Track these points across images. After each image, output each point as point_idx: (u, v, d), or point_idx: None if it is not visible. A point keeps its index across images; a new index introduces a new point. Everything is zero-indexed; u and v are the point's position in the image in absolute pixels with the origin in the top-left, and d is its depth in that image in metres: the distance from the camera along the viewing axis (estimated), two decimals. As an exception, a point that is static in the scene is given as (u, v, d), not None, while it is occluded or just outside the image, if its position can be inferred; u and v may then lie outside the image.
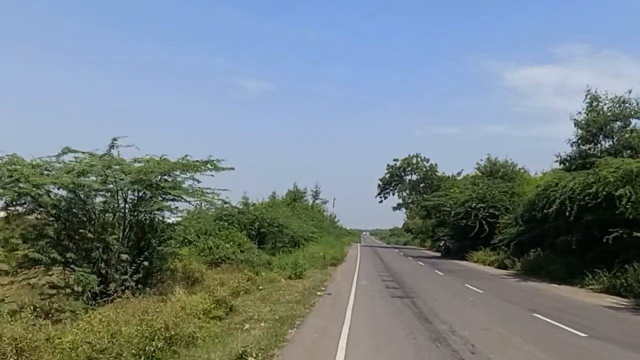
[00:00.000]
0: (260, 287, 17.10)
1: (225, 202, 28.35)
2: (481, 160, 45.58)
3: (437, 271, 26.91)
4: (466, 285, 19.41)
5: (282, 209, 38.28)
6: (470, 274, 26.05)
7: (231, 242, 24.14)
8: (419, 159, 64.28)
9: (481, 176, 43.93)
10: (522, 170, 44.45)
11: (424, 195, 57.73)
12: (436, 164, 63.77)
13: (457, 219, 40.12)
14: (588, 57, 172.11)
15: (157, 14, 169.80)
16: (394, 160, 65.15)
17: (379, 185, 67.63)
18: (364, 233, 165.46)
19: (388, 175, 65.86)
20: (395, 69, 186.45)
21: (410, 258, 42.16)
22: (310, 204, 60.43)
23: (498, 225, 36.89)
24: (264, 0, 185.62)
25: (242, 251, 23.72)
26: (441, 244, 47.72)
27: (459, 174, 60.16)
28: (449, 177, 62.15)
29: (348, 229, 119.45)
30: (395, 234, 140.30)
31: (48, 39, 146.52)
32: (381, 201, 68.67)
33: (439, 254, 49.88)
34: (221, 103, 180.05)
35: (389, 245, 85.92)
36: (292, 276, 18.98)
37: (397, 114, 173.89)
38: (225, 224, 27.08)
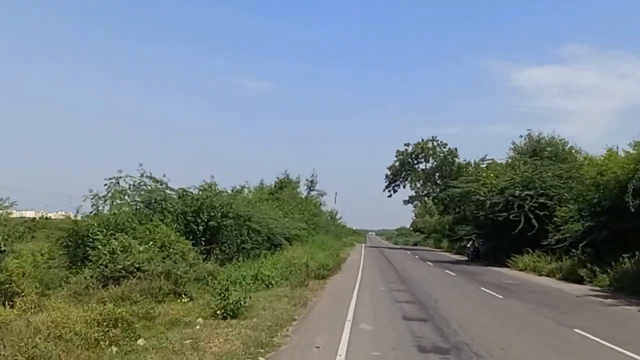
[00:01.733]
0: (139, 341, 7.81)
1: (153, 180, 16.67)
2: (521, 136, 35.82)
3: (485, 289, 17.25)
4: (575, 330, 9.73)
5: (257, 197, 28.85)
6: (542, 294, 16.39)
7: (151, 243, 14.75)
8: (435, 143, 54.54)
9: (519, 158, 34.04)
10: (574, 150, 34.66)
11: (447, 182, 47.83)
12: (456, 149, 54.05)
13: (493, 212, 30.34)
14: (592, 57, 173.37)
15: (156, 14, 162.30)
16: (405, 145, 55.68)
17: (386, 176, 58.01)
18: (370, 233, 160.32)
19: (398, 163, 56.17)
20: (396, 69, 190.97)
21: (429, 263, 32.50)
22: (304, 195, 50.95)
23: (553, 219, 27.22)
24: (264, 1, 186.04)
25: (163, 258, 14.40)
26: (467, 245, 38.02)
27: (482, 159, 50.20)
28: (470, 163, 52.28)
29: (353, 228, 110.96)
30: (402, 233, 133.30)
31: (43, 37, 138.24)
32: (390, 195, 59.14)
33: (464, 258, 40.23)
34: (221, 103, 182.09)
35: (397, 246, 75.93)
36: (221, 312, 9.35)
37: (398, 114, 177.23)
38: (153, 213, 17.74)
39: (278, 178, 39.01)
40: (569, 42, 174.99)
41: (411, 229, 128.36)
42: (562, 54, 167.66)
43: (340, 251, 39.33)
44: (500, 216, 29.67)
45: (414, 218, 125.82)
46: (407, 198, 60.12)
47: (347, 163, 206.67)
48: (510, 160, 34.38)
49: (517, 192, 29.30)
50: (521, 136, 35.99)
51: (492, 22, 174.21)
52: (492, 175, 32.61)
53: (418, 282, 19.27)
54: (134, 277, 13.29)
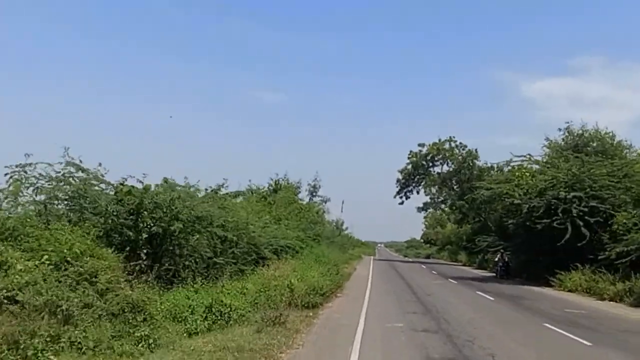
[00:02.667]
0: None
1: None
2: (560, 130, 30.35)
3: (553, 326, 11.80)
4: None
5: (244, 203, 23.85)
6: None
7: (45, 257, 9.46)
8: (453, 144, 49.04)
9: (561, 153, 28.51)
10: (624, 144, 29.13)
11: (472, 184, 42.29)
12: (476, 150, 48.48)
13: (530, 218, 24.90)
14: (603, 69, 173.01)
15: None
16: (419, 146, 50.17)
17: (398, 181, 52.60)
18: (379, 245, 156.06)
19: (411, 166, 50.74)
20: (407, 80, 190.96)
21: (452, 281, 27.04)
22: (305, 202, 45.72)
23: (610, 227, 21.82)
24: (280, 14, 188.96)
25: (58, 281, 9.25)
26: (495, 259, 32.40)
27: (508, 163, 44.62)
28: (492, 167, 46.75)
29: (362, 240, 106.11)
30: (412, 245, 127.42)
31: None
32: (402, 202, 53.56)
33: (489, 274, 34.70)
34: (236, 114, 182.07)
35: (409, 259, 70.04)
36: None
37: (408, 125, 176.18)
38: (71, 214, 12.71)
39: (272, 179, 33.83)
40: (581, 54, 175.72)
41: (422, 240, 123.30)
42: (573, 66, 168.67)
43: (345, 266, 34.05)
44: (540, 223, 24.15)
45: (425, 229, 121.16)
46: (420, 205, 54.61)
47: (356, 175, 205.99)
48: (547, 158, 28.85)
49: (561, 194, 23.83)
50: (559, 129, 30.49)
51: (503, 34, 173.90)
52: (527, 174, 27.10)
53: (449, 311, 13.90)
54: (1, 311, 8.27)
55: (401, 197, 53.73)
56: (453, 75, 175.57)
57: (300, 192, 46.50)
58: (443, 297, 18.42)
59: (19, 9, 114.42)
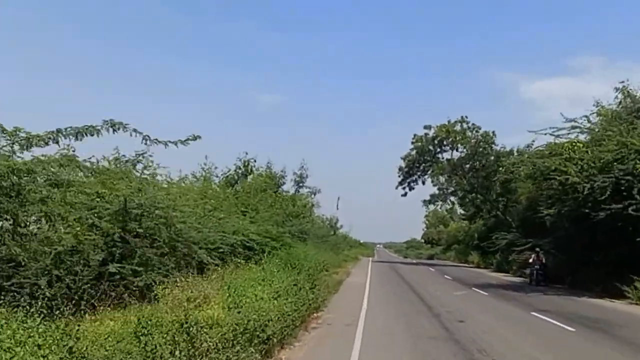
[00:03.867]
0: None
1: None
2: (616, 89, 23.28)
3: None
4: None
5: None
6: None
7: None
8: (465, 125, 41.90)
9: (618, 120, 21.34)
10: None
11: (499, 163, 35.45)
12: (494, 132, 41.31)
13: (585, 204, 17.89)
14: (603, 69, 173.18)
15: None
16: (425, 128, 42.98)
17: (400, 170, 45.40)
18: (378, 246, 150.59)
19: (415, 152, 43.65)
20: (407, 81, 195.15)
21: (481, 292, 20.07)
22: (291, 193, 38.73)
23: None
24: (281, 16, 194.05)
25: None
26: (529, 260, 25.28)
27: (528, 146, 37.68)
28: (512, 152, 39.80)
29: (360, 241, 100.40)
30: (412, 246, 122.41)
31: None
32: (405, 194, 46.42)
33: (517, 278, 27.81)
34: (234, 114, 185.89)
35: (412, 261, 62.59)
36: None
37: (408, 127, 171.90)
38: None
39: (240, 160, 26.57)
40: (580, 54, 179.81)
41: (422, 241, 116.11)
42: (573, 66, 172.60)
43: (336, 270, 27.13)
44: (606, 210, 17.12)
45: (425, 229, 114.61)
46: (427, 197, 47.44)
47: (355, 176, 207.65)
48: (599, 128, 21.72)
49: (639, 167, 16.79)
50: (616, 89, 23.33)
51: (502, 35, 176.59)
52: (579, 144, 20.07)
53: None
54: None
55: (404, 188, 46.68)
56: (453, 75, 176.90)
57: (284, 182, 39.52)
58: (484, 324, 11.40)
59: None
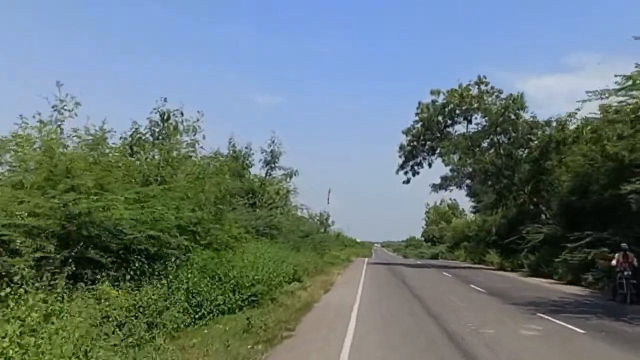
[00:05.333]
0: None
1: None
2: None
3: None
4: None
5: None
6: None
7: None
8: (484, 87, 32.53)
9: None
10: None
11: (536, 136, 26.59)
12: (521, 95, 31.84)
13: None
14: (598, 65, 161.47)
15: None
16: (432, 94, 33.59)
17: (401, 149, 36.08)
18: (375, 245, 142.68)
19: (420, 125, 34.33)
20: (406, 79, 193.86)
21: (575, 328, 10.51)
22: (258, 175, 29.58)
23: None
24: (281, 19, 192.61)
25: None
26: (612, 263, 15.99)
27: (570, 116, 28.66)
28: (549, 122, 30.59)
29: (356, 240, 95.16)
30: (412, 244, 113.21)
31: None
32: (407, 180, 37.09)
33: (578, 288, 18.76)
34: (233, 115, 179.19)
35: (417, 262, 52.38)
36: None
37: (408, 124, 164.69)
38: None
39: (156, 111, 16.95)
40: (576, 51, 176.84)
41: (422, 239, 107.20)
42: (569, 63, 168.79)
43: (314, 280, 18.11)
44: None
45: (425, 226, 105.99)
46: (438, 182, 37.75)
47: (352, 174, 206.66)
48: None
49: None
50: None
51: (503, 33, 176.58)
52: None
53: None
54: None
55: (406, 173, 37.34)
56: (452, 74, 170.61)
57: (251, 163, 30.29)
58: None
59: None
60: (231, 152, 29.79)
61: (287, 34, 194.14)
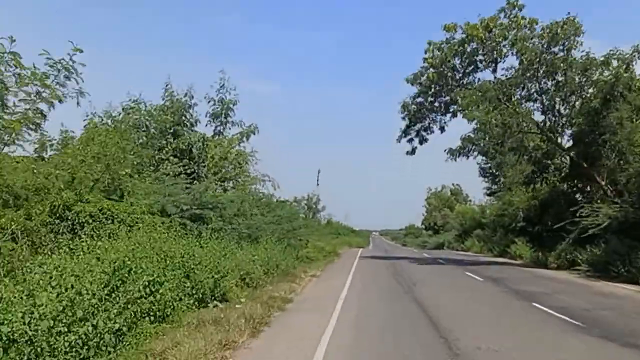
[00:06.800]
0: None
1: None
2: None
3: None
4: None
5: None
6: None
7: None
8: (517, 10, 23.07)
9: None
10: None
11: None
12: (575, 18, 22.28)
13: None
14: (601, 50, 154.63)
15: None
16: (446, 30, 23.96)
17: (404, 107, 26.76)
18: (373, 233, 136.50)
19: (431, 71, 24.74)
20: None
21: None
22: (200, 133, 20.33)
23: None
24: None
25: None
26: None
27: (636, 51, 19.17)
28: (608, 60, 21.28)
29: (355, 228, 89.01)
30: (411, 233, 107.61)
31: None
32: (412, 150, 27.88)
33: None
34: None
35: (424, 255, 41.67)
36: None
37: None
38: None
39: None
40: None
41: (422, 227, 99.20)
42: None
43: (257, 294, 8.64)
44: None
45: (426, 213, 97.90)
46: (457, 145, 27.68)
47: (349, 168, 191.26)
48: None
49: None
50: None
51: None
52: None
53: None
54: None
55: (411, 141, 28.05)
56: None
57: (195, 119, 21.21)
58: None
59: None
60: (168, 102, 20.70)
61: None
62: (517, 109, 22.85)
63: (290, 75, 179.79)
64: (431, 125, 27.82)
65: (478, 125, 23.64)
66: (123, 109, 19.49)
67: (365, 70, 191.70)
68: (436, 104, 26.79)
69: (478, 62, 25.08)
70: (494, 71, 24.48)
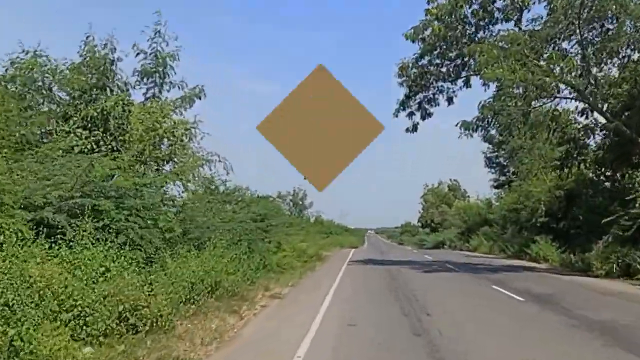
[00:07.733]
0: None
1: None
2: None
3: None
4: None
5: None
6: None
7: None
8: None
9: None
10: None
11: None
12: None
13: None
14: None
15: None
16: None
17: (402, 70, 21.25)
18: (369, 232, 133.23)
19: (438, 24, 19.28)
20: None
21: None
22: (118, 95, 14.38)
23: None
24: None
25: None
26: None
27: None
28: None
29: (350, 227, 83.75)
30: (407, 231, 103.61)
31: None
32: (414, 127, 22.42)
33: None
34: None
35: (426, 258, 35.31)
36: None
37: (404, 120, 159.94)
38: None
39: None
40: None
41: (419, 224, 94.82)
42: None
43: None
44: None
45: (422, 211, 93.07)
46: (470, 117, 21.83)
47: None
48: None
49: None
50: None
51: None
52: None
53: None
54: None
55: (411, 115, 22.43)
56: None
57: (122, 76, 15.43)
58: None
59: None
60: (87, 58, 14.94)
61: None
62: (554, 63, 17.13)
63: (290, 75, 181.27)
64: (436, 95, 22.20)
65: (499, 90, 18.05)
66: (12, 63, 13.76)
67: (365, 70, 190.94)
68: (443, 69, 21.14)
69: (495, 12, 19.46)
70: (518, 21, 18.87)
